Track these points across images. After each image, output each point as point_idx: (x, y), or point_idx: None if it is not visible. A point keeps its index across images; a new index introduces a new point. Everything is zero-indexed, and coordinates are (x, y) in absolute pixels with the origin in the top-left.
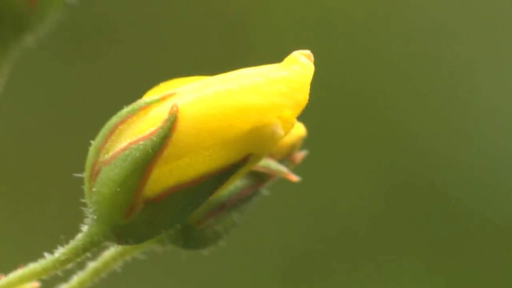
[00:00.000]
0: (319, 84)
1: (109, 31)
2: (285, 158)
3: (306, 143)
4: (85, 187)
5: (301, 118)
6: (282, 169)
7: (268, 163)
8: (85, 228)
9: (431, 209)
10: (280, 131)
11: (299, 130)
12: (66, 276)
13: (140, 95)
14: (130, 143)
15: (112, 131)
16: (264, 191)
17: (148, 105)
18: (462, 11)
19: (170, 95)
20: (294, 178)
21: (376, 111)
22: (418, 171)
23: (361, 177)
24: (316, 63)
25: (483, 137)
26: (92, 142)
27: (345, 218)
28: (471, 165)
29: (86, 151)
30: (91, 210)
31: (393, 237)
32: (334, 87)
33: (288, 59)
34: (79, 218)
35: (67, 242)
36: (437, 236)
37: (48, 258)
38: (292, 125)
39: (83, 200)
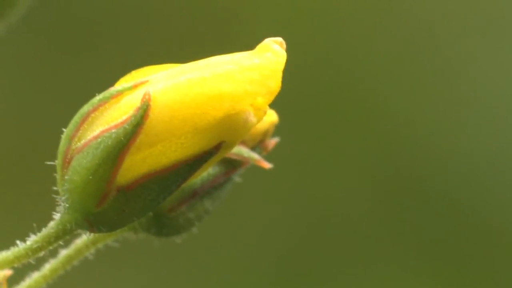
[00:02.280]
0: (300, 70)
1: (92, 20)
2: (258, 145)
3: (278, 130)
4: (57, 175)
5: (275, 105)
6: (255, 156)
7: (241, 150)
8: (57, 216)
9: (418, 198)
10: (253, 119)
11: (271, 117)
12: (39, 264)
13: (114, 83)
14: (103, 131)
15: (84, 119)
16: (237, 178)
17: (120, 92)
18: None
19: (143, 83)
20: (266, 165)
21: (361, 100)
22: (405, 162)
23: (338, 165)
24: (297, 49)
25: (476, 130)
26: (64, 130)
27: (319, 205)
28: (463, 158)
29: (58, 138)
30: (63, 198)
31: (374, 230)
32: (317, 75)
33: (260, 47)
34: (51, 206)
35: (39, 230)
36: (427, 229)
37: (21, 246)
38: (265, 112)
39: (55, 188)
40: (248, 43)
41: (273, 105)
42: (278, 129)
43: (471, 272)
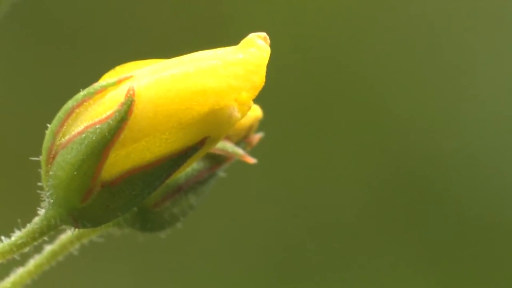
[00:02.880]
0: (286, 66)
1: (81, 16)
2: (242, 140)
3: (263, 125)
4: (42, 171)
5: (260, 100)
6: (239, 151)
7: (225, 146)
8: (42, 211)
9: (416, 197)
10: (237, 114)
11: (256, 112)
12: (23, 259)
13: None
14: (87, 127)
15: (69, 114)
16: (221, 173)
17: (105, 88)
18: None
19: (127, 78)
20: (251, 160)
21: (347, 95)
22: (403, 160)
23: (324, 160)
24: (284, 45)
25: (474, 129)
26: (49, 125)
27: (303, 202)
28: (461, 158)
29: (43, 134)
30: (48, 193)
31: (372, 226)
32: (302, 70)
33: (244, 42)
34: (36, 201)
35: (24, 225)
36: (425, 229)
37: (5, 242)
38: (249, 107)
39: (40, 184)
40: (238, 41)
41: (258, 100)
42: (262, 124)
43: (470, 271)
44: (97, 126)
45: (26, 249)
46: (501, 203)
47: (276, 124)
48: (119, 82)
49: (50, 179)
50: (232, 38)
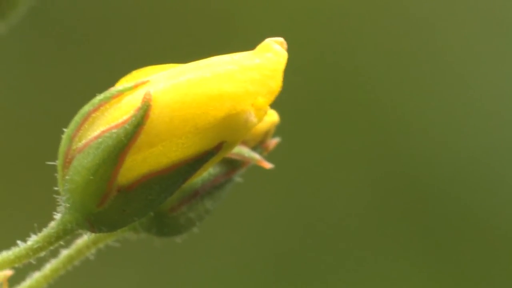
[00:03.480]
0: (299, 70)
1: (94, 20)
2: (258, 145)
3: (279, 130)
4: (58, 175)
5: (276, 105)
6: (255, 156)
7: (241, 150)
8: (58, 216)
9: (416, 197)
10: (254, 119)
11: (272, 117)
12: (40, 264)
13: (114, 83)
14: (103, 131)
15: (85, 119)
16: (237, 178)
17: (121, 92)
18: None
19: (143, 83)
20: (267, 165)
21: (360, 99)
22: (404, 161)
23: (337, 165)
24: (296, 49)
25: (475, 130)
26: (65, 130)
27: (320, 206)
28: (461, 158)
29: (59, 138)
30: (64, 198)
31: (373, 229)
32: (317, 75)
33: (261, 47)
34: (52, 206)
35: (40, 230)
36: (425, 229)
37: (21, 246)
38: (265, 112)
39: (56, 188)
40: (247, 43)
41: (274, 105)
42: (278, 129)
43: (469, 271)
44: (114, 130)
45: (42, 254)
46: (501, 203)
47: (289, 129)
48: (135, 86)
49: (66, 184)
50: (239, 40)
